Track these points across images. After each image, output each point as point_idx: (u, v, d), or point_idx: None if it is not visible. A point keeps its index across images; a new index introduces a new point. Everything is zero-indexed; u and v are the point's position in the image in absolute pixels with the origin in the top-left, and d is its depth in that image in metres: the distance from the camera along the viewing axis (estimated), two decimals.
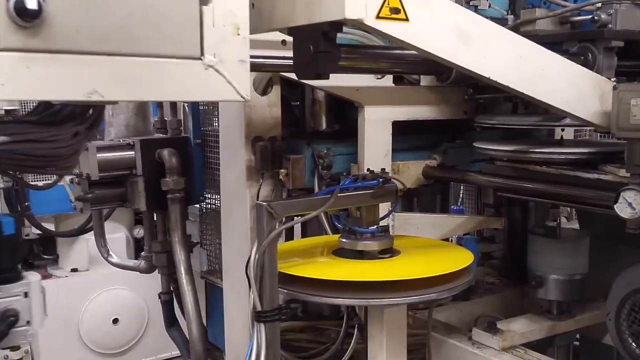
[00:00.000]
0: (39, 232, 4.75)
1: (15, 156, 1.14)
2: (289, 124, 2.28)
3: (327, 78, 1.50)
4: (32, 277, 1.23)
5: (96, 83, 1.04)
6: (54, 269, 5.37)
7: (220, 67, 1.16)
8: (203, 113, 2.74)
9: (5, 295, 1.15)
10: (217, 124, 2.55)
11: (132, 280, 5.38)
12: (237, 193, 2.27)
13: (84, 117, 1.19)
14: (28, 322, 1.19)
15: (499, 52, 1.42)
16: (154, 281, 5.68)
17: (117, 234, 5.36)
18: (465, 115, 2.29)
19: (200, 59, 1.13)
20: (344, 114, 2.34)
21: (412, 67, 2.00)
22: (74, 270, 5.35)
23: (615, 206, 1.45)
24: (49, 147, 1.13)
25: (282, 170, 2.13)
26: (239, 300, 2.27)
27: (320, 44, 1.31)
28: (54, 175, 3.14)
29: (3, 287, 1.14)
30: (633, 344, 1.79)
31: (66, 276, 5.27)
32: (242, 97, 1.19)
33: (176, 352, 5.31)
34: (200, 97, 1.18)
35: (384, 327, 1.58)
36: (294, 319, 2.21)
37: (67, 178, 3.69)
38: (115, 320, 5.51)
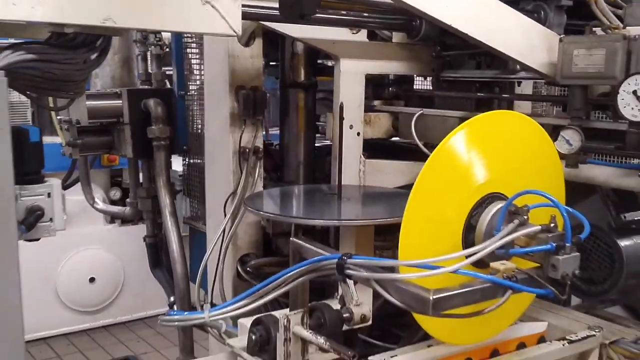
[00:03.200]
0: None
1: (34, 77, 1.30)
2: None
3: (310, 18, 1.67)
4: (54, 181, 1.38)
5: (111, 11, 1.21)
6: None
7: (216, 3, 1.33)
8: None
9: (31, 194, 1.30)
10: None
11: (108, 240, 5.54)
12: (221, 138, 2.43)
13: (94, 45, 1.36)
14: (51, 219, 1.35)
15: (460, 2, 1.61)
16: (130, 242, 5.82)
17: (96, 194, 5.46)
18: (433, 72, 2.48)
19: None
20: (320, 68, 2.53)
21: (384, 22, 2.18)
22: None
23: (555, 143, 1.66)
24: (65, 68, 1.29)
25: None
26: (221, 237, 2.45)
27: None
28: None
29: (29, 187, 1.28)
30: None
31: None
32: (234, 31, 1.37)
33: (151, 312, 5.50)
34: (198, 29, 1.36)
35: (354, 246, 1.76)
36: None
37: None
38: (92, 279, 5.61)
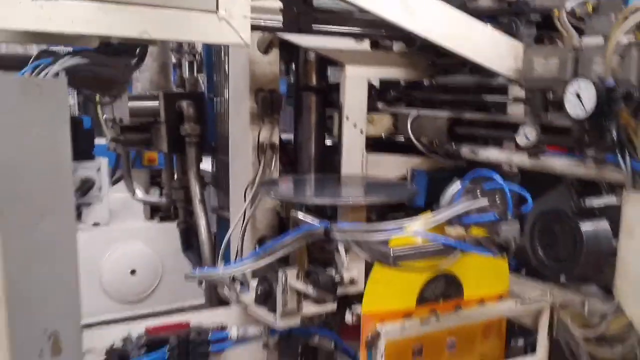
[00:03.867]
0: None
1: (88, 77, 1.67)
2: None
3: (308, 33, 2.00)
4: (103, 159, 1.71)
5: (146, 26, 1.57)
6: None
7: (230, 19, 1.68)
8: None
9: (85, 167, 1.65)
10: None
11: (148, 236, 5.95)
12: (242, 135, 2.79)
13: (133, 53, 1.72)
14: (99, 189, 1.68)
15: (435, 19, 1.92)
16: (167, 238, 6.21)
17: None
18: (430, 78, 2.78)
19: (216, 13, 1.65)
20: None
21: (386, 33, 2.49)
22: (96, 224, 5.93)
23: (515, 137, 1.95)
24: (110, 71, 1.65)
25: None
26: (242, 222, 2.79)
27: (300, 7, 1.82)
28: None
29: (84, 161, 1.62)
30: (541, 253, 2.26)
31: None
32: (244, 42, 1.71)
33: (188, 302, 5.86)
34: (215, 40, 1.70)
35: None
36: None
37: None
38: (133, 272, 5.99)
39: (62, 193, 1.51)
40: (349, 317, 1.75)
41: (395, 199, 2.09)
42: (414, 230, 1.57)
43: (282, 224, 2.82)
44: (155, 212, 5.63)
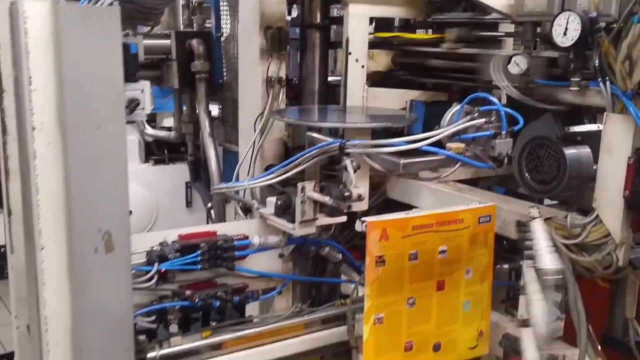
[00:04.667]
0: None
1: (130, 9, 1.83)
2: None
3: None
4: (146, 82, 1.87)
5: None
6: None
7: None
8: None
9: (131, 89, 1.80)
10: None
11: (143, 178, 6.15)
12: (252, 70, 2.96)
13: None
14: (143, 108, 1.84)
15: None
16: (162, 180, 6.41)
17: (129, 137, 6.04)
18: (428, 17, 2.96)
19: None
20: None
21: None
22: None
23: (508, 67, 2.16)
24: (153, 1, 1.81)
25: None
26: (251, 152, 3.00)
27: None
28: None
29: (130, 84, 1.76)
30: (528, 176, 2.50)
31: None
32: None
33: None
34: None
35: None
36: None
37: None
38: (129, 212, 6.18)
39: (115, 108, 1.71)
40: (359, 226, 1.99)
41: (398, 124, 2.31)
42: (420, 144, 1.79)
43: (288, 153, 3.03)
44: (149, 154, 5.82)
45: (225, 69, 3.43)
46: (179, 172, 6.07)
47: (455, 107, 1.92)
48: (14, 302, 2.47)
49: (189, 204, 6.36)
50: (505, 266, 2.63)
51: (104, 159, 1.74)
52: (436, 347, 2.10)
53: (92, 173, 1.73)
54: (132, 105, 1.78)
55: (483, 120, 1.85)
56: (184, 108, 3.58)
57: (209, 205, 3.41)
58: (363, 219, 1.92)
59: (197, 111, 3.33)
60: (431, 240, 1.99)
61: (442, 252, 2.03)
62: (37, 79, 1.65)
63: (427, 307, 2.05)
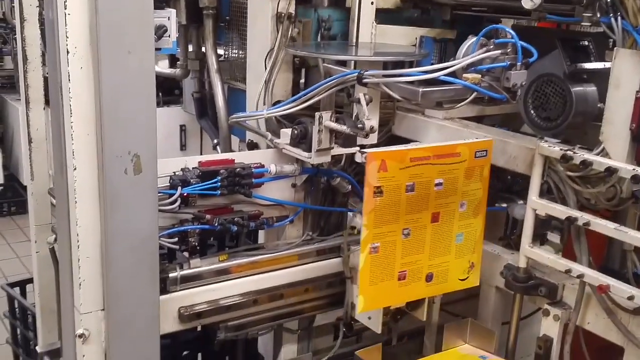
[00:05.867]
0: None
1: None
2: None
3: None
4: (172, 10, 1.93)
5: None
6: None
7: None
8: None
9: (158, 16, 1.85)
10: None
11: None
12: (261, 6, 3.01)
13: None
14: (169, 35, 1.91)
15: None
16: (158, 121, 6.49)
17: None
18: None
19: None
20: None
21: None
22: None
23: (522, 2, 2.23)
24: None
25: (295, 30, 2.85)
26: (259, 88, 3.07)
27: None
28: None
29: (157, 11, 1.81)
30: (533, 113, 2.61)
31: None
32: None
33: None
34: None
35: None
36: None
37: None
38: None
39: (144, 33, 1.79)
40: (359, 157, 2.09)
41: (410, 58, 2.40)
42: (437, 74, 1.89)
43: (296, 90, 3.10)
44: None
45: (232, 5, 3.46)
46: (174, 114, 6.16)
47: (471, 40, 2.01)
48: (33, 228, 2.58)
49: (183, 147, 6.46)
50: (504, 205, 2.77)
51: (134, 84, 1.83)
52: (429, 278, 2.21)
53: (123, 97, 1.82)
54: (160, 32, 1.85)
55: (499, 52, 1.94)
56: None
57: (215, 141, 3.50)
58: (362, 150, 2.01)
59: (204, 48, 3.37)
60: (428, 173, 2.07)
61: (438, 184, 2.12)
62: (71, 3, 1.71)
63: (421, 238, 2.15)
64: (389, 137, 2.72)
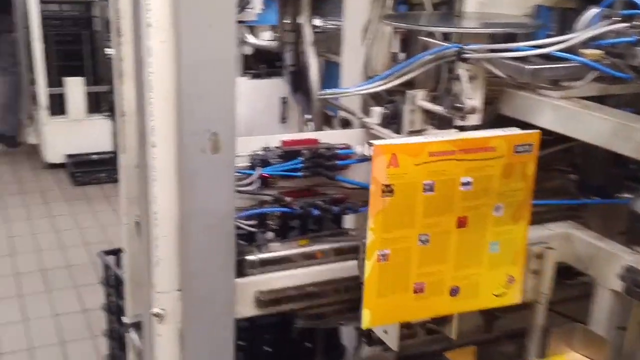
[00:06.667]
0: None
1: None
2: None
3: None
4: None
5: None
6: None
7: None
8: None
9: None
10: None
11: (239, 92, 6.32)
12: None
13: None
14: (252, 8, 1.88)
15: None
16: (258, 94, 6.59)
17: None
18: None
19: None
20: None
21: None
22: None
23: None
24: None
25: None
26: (355, 62, 2.96)
27: None
28: None
29: None
30: None
31: None
32: None
33: None
34: None
35: None
36: None
37: None
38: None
39: (226, 5, 1.73)
40: (366, 150, 1.90)
41: (520, 30, 2.18)
42: (550, 49, 1.68)
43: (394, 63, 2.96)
44: (247, 68, 5.93)
45: None
46: (275, 87, 6.20)
47: (592, 10, 1.78)
48: (123, 201, 2.64)
49: (283, 119, 6.51)
50: (628, 196, 2.51)
51: (215, 59, 1.77)
52: (453, 291, 1.96)
53: (203, 72, 1.78)
54: (243, 3, 1.78)
55: (626, 24, 1.70)
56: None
57: (307, 116, 3.44)
58: (371, 141, 1.79)
59: (300, 19, 3.30)
60: (452, 170, 1.83)
61: (466, 184, 1.86)
62: None
63: (443, 245, 1.90)
64: (495, 118, 2.53)
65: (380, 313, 1.91)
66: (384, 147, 1.73)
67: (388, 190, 1.75)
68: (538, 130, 1.92)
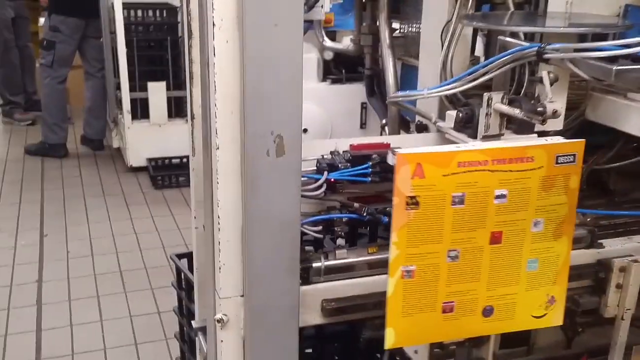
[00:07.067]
0: None
1: None
2: None
3: None
4: None
5: None
6: None
7: None
8: None
9: None
10: None
11: (319, 96, 6.35)
12: None
13: None
14: (322, 7, 1.85)
15: None
16: (337, 99, 6.61)
17: (308, 55, 6.20)
18: None
19: None
20: None
21: None
22: None
23: None
24: None
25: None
26: (433, 65, 2.88)
27: None
28: None
29: None
30: None
31: None
32: None
33: None
34: None
35: None
36: None
37: None
38: (305, 130, 6.45)
39: (293, 4, 1.70)
40: (390, 159, 1.79)
41: (608, 30, 2.05)
42: (638, 48, 1.56)
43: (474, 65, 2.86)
44: (327, 73, 5.94)
45: None
46: (355, 92, 6.20)
47: None
48: (193, 204, 2.67)
49: (363, 125, 6.48)
50: None
51: (280, 59, 1.75)
52: (487, 312, 1.86)
53: (267, 73, 1.76)
54: (311, 2, 1.75)
55: None
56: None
57: (384, 121, 3.38)
58: (395, 149, 1.71)
59: (377, 22, 3.25)
60: (484, 182, 1.73)
61: (500, 197, 1.76)
62: None
63: (475, 262, 1.80)
64: (580, 124, 2.40)
65: (406, 333, 1.84)
66: (408, 157, 1.66)
67: (413, 202, 1.68)
68: (582, 139, 1.81)
